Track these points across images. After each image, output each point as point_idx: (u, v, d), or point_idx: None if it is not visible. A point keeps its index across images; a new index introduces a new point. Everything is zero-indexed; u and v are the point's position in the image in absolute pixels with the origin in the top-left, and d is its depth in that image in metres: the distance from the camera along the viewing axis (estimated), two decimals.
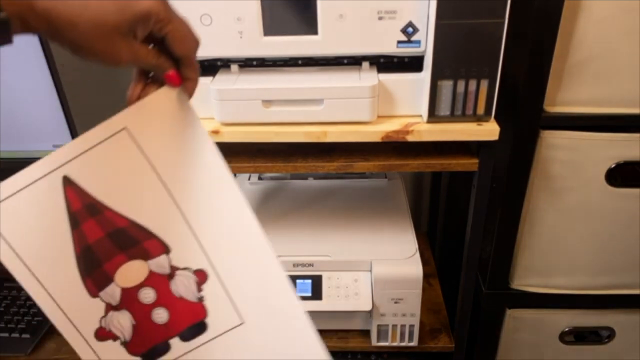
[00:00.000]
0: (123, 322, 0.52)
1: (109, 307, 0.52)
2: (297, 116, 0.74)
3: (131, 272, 0.51)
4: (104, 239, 0.50)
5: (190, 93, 0.48)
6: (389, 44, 0.72)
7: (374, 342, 0.91)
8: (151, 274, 0.52)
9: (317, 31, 0.71)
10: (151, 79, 0.48)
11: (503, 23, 0.66)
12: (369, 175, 1.11)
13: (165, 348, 0.54)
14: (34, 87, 0.87)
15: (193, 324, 0.54)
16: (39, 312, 0.93)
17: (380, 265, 0.85)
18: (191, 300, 0.53)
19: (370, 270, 0.86)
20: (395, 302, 0.86)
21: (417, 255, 0.87)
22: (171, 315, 0.53)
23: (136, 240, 0.50)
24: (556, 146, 0.80)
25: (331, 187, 1.09)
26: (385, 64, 0.77)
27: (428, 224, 1.33)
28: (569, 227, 0.87)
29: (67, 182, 0.48)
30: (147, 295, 0.52)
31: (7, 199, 0.47)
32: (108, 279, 0.51)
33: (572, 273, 0.92)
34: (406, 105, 0.76)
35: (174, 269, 0.52)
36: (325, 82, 0.73)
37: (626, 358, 1.02)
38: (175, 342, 0.54)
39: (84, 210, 0.49)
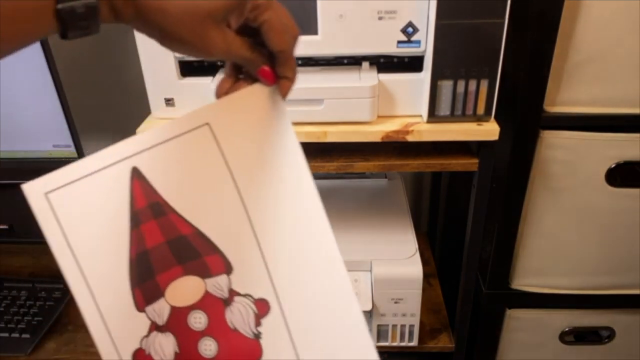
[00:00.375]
0: (166, 347, 0.45)
1: (153, 327, 0.45)
2: (297, 116, 0.74)
3: (185, 289, 0.45)
4: (163, 246, 0.44)
5: (284, 93, 0.43)
6: (389, 44, 0.72)
7: (374, 342, 0.91)
8: (206, 295, 0.45)
9: (317, 31, 0.71)
10: (243, 75, 0.43)
11: (503, 23, 0.66)
12: (369, 175, 1.11)
13: None
14: (34, 87, 0.87)
15: None
16: (39, 312, 0.93)
17: (380, 265, 0.85)
18: (246, 336, 0.46)
19: (370, 270, 0.86)
20: (395, 302, 0.86)
21: (417, 255, 0.87)
22: (220, 349, 0.46)
23: (197, 253, 0.44)
24: (556, 146, 0.80)
25: (331, 187, 1.08)
26: (385, 64, 0.77)
27: (428, 224, 1.33)
28: (569, 227, 0.87)
29: (136, 175, 0.42)
30: (198, 320, 0.45)
31: (72, 183, 0.41)
32: (158, 293, 0.44)
33: (572, 273, 0.92)
34: (406, 105, 0.76)
35: (232, 293, 0.45)
36: (325, 82, 0.73)
37: (626, 358, 1.02)
38: None
39: (147, 209, 0.43)
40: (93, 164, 0.42)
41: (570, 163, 0.81)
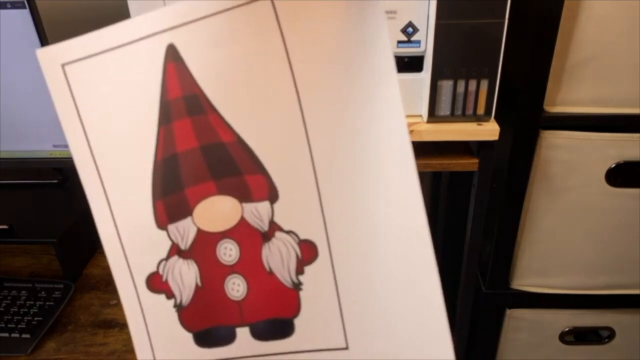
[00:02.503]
0: (186, 276, 0.37)
1: (175, 250, 0.37)
2: None
3: (217, 212, 0.36)
4: (196, 153, 0.34)
5: None
6: None
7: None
8: (242, 223, 0.36)
9: None
10: None
11: (503, 23, 0.66)
12: None
13: (229, 337, 0.38)
14: (34, 87, 0.87)
15: (275, 318, 0.37)
16: (39, 312, 0.93)
17: None
18: (283, 283, 0.36)
19: None
20: None
21: None
22: (250, 293, 0.37)
23: (237, 169, 0.34)
24: (556, 146, 0.80)
25: None
26: None
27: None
28: (569, 227, 0.86)
29: (171, 55, 0.32)
30: (229, 252, 0.37)
31: (94, 57, 0.33)
32: (185, 210, 0.35)
33: (572, 273, 0.91)
34: (406, 105, 0.74)
35: (274, 227, 0.36)
36: None
37: (626, 358, 1.02)
38: (242, 335, 0.38)
39: (182, 102, 0.33)
40: (121, 34, 0.32)
41: (570, 163, 0.81)
